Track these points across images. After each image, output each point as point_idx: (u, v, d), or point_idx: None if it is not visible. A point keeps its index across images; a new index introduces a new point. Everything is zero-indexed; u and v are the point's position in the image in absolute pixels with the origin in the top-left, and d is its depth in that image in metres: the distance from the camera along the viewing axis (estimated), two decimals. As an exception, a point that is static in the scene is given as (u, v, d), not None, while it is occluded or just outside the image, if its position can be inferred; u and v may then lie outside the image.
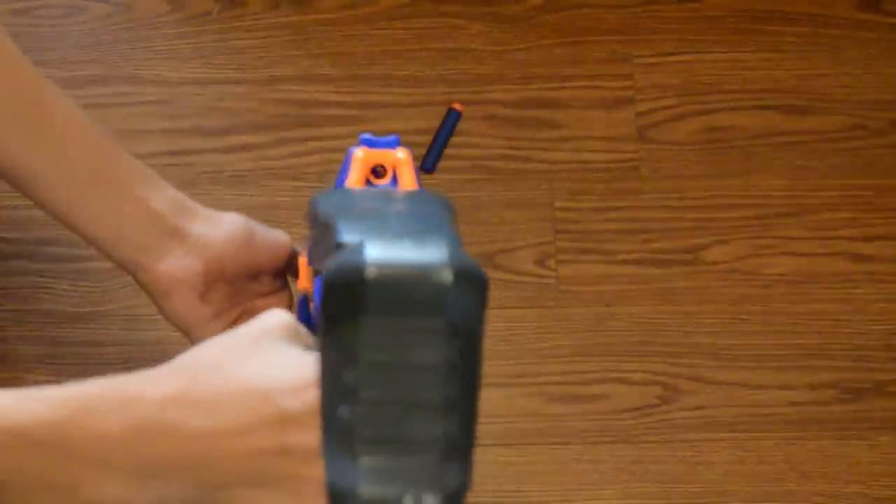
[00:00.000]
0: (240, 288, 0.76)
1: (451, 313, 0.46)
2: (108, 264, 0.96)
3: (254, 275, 0.76)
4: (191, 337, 0.76)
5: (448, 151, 0.99)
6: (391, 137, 0.63)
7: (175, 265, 0.72)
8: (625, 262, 0.97)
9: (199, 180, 0.98)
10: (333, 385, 0.47)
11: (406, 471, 0.46)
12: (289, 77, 1.00)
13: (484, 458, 0.93)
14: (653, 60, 1.01)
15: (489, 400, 0.94)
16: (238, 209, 0.97)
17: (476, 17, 1.02)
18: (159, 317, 0.95)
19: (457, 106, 0.99)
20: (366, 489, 0.46)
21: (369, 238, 0.48)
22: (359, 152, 0.61)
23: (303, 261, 0.73)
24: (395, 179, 0.63)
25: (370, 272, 0.46)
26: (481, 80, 1.00)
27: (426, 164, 0.98)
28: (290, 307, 0.79)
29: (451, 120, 0.99)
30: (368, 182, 0.62)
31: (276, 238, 0.76)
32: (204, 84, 1.00)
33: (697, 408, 0.94)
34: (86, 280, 0.96)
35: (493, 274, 0.96)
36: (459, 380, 0.47)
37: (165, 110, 0.99)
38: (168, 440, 0.48)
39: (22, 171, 0.70)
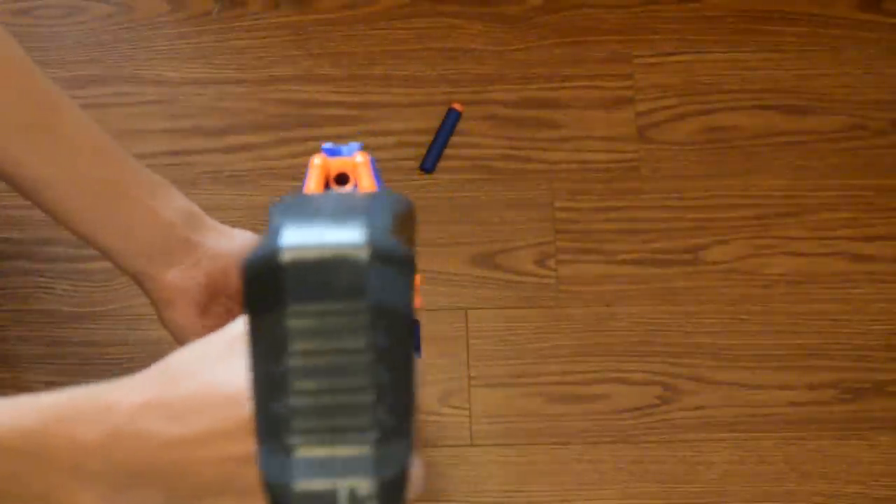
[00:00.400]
0: (241, 303, 0.75)
1: (373, 294, 0.45)
2: (109, 264, 0.96)
3: None
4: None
5: (448, 151, 0.99)
6: (353, 144, 0.62)
7: (181, 275, 0.72)
8: (625, 262, 0.97)
9: (199, 180, 0.98)
10: (262, 379, 0.46)
11: (341, 461, 0.45)
12: (289, 77, 1.00)
13: (484, 458, 0.93)
14: (653, 60, 1.01)
15: (489, 400, 0.94)
16: (238, 209, 0.97)
17: (476, 17, 1.02)
18: (159, 317, 0.95)
19: (457, 106, 0.99)
20: (301, 483, 0.45)
21: (288, 224, 0.47)
22: (316, 159, 0.59)
23: None
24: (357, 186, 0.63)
25: (285, 257, 0.44)
26: (481, 80, 1.00)
27: (426, 164, 0.98)
28: None
29: (451, 120, 0.99)
30: (329, 189, 0.61)
31: None
32: (204, 84, 1.00)
33: (697, 408, 0.94)
34: (86, 280, 0.96)
35: (492, 274, 0.97)
36: (389, 363, 0.45)
37: (166, 110, 0.99)
38: (141, 448, 0.48)
39: (32, 180, 0.70)
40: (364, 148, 0.63)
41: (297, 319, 0.45)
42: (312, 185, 0.58)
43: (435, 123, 0.99)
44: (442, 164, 0.99)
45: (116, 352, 0.94)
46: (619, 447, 0.93)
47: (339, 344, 0.45)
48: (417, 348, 0.70)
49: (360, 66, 1.01)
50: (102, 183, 0.71)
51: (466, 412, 0.94)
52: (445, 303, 0.96)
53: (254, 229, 0.97)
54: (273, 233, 0.46)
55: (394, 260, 0.45)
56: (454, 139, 0.99)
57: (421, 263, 0.97)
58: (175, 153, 0.98)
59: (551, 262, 0.97)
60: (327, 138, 0.98)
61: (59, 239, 0.97)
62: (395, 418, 0.46)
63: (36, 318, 0.95)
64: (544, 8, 1.02)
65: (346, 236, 0.45)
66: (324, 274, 0.45)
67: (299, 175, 0.98)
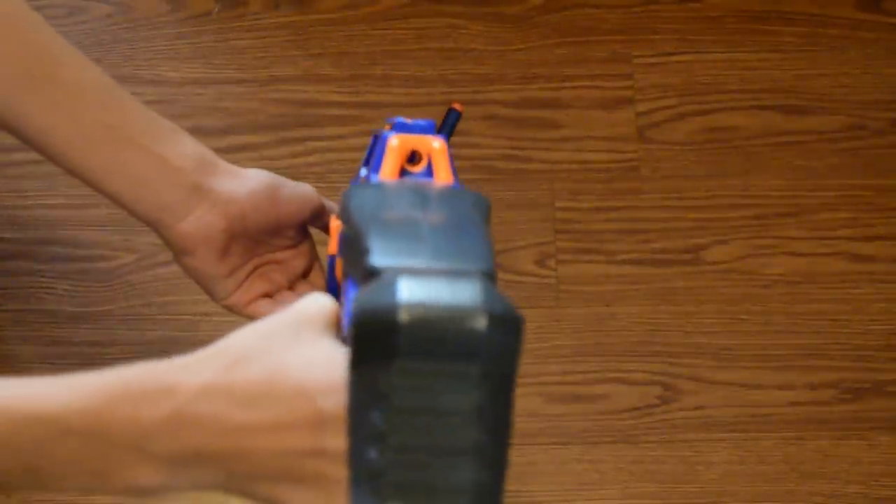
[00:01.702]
0: (261, 241, 0.74)
1: (485, 358, 0.45)
2: (109, 264, 0.96)
3: (277, 229, 0.74)
4: (208, 290, 0.74)
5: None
6: (426, 122, 0.61)
7: (197, 223, 0.71)
8: (625, 262, 0.97)
9: (199, 180, 0.98)
10: (362, 425, 0.46)
11: None
12: (289, 77, 1.00)
13: (484, 458, 0.93)
14: (653, 60, 1.01)
15: (489, 400, 0.94)
16: (238, 209, 0.97)
17: (476, 17, 1.02)
18: (160, 316, 0.95)
19: (457, 106, 0.99)
20: None
21: (402, 268, 0.46)
22: (394, 140, 0.58)
23: (334, 224, 0.70)
24: (430, 167, 0.61)
25: (403, 316, 0.44)
26: (481, 80, 1.00)
27: (426, 164, 0.98)
28: (311, 259, 0.77)
29: (451, 120, 0.99)
30: (403, 171, 0.60)
31: (302, 193, 0.73)
32: (204, 84, 1.00)
33: (697, 408, 0.94)
34: (86, 280, 0.96)
35: (493, 274, 0.97)
36: (490, 425, 0.45)
37: (166, 110, 0.99)
38: (202, 432, 0.48)
39: (36, 129, 0.69)
40: (436, 125, 0.63)
41: (405, 376, 0.45)
42: (388, 170, 0.57)
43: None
44: (442, 164, 0.99)
45: (116, 352, 0.94)
46: (619, 447, 0.94)
47: (443, 403, 0.45)
48: None
49: (360, 66, 1.01)
50: (107, 129, 0.69)
51: (466, 412, 0.94)
52: (445, 303, 0.96)
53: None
54: (385, 281, 0.45)
55: (506, 324, 0.45)
56: (454, 139, 0.99)
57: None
58: (175, 153, 0.98)
59: (551, 262, 0.97)
60: (327, 138, 0.98)
61: (59, 239, 0.97)
62: (490, 480, 0.45)
63: (36, 318, 0.95)
64: (545, 8, 1.02)
65: (464, 297, 0.45)
66: (438, 333, 0.44)
67: (299, 175, 0.98)
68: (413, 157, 0.61)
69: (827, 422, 0.94)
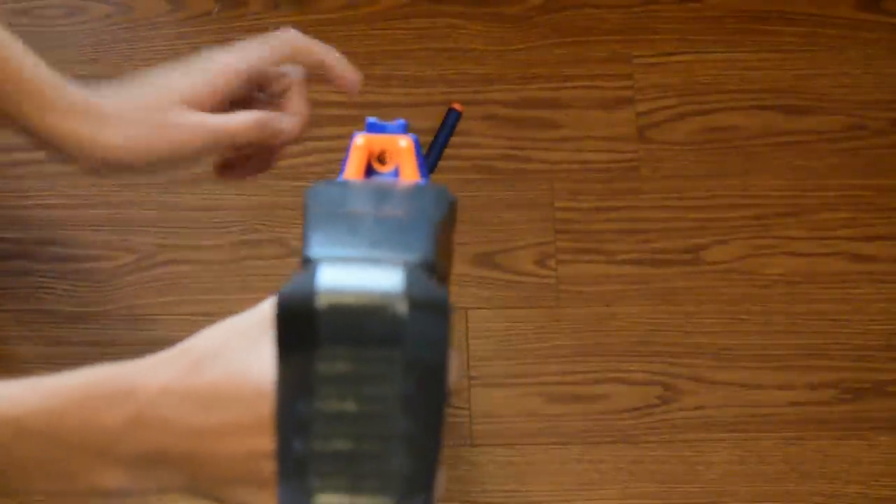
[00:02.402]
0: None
1: (408, 345, 0.44)
2: (109, 264, 0.96)
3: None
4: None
5: (448, 151, 0.99)
6: (398, 123, 0.59)
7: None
8: (624, 262, 0.97)
9: (199, 180, 0.98)
10: (288, 416, 0.45)
11: None
12: (289, 77, 1.00)
13: (484, 458, 0.93)
14: (653, 60, 1.01)
15: (489, 400, 0.94)
16: (238, 209, 0.97)
17: (476, 17, 1.02)
18: (160, 316, 0.95)
19: (457, 106, 0.99)
20: None
21: (334, 258, 0.45)
22: (359, 139, 0.58)
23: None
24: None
25: (321, 301, 0.43)
26: (481, 80, 1.00)
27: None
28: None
29: (451, 120, 0.99)
30: (371, 170, 0.59)
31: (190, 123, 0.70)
32: (204, 84, 1.00)
33: (697, 408, 0.94)
34: (86, 280, 0.96)
35: (492, 274, 0.97)
36: (419, 414, 0.44)
37: (165, 110, 0.99)
38: (162, 433, 0.48)
39: None
40: (408, 127, 0.62)
41: (328, 363, 0.44)
42: (352, 169, 0.57)
43: (435, 123, 0.99)
44: (442, 164, 0.99)
45: (116, 352, 0.94)
46: (619, 447, 0.93)
47: (368, 391, 0.44)
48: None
49: (360, 66, 1.00)
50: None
51: (466, 412, 0.94)
52: (445, 303, 0.96)
53: (254, 230, 0.97)
54: (309, 268, 0.44)
55: (431, 308, 0.44)
56: (454, 139, 0.99)
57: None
58: (175, 153, 0.98)
59: (551, 262, 0.97)
60: (327, 138, 0.98)
61: (59, 239, 0.97)
62: (419, 472, 0.44)
63: (36, 318, 0.95)
64: (544, 8, 1.02)
65: (385, 282, 0.44)
66: (359, 320, 0.44)
67: (299, 175, 0.98)
68: (382, 159, 0.60)
69: (827, 422, 0.94)
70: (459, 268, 0.97)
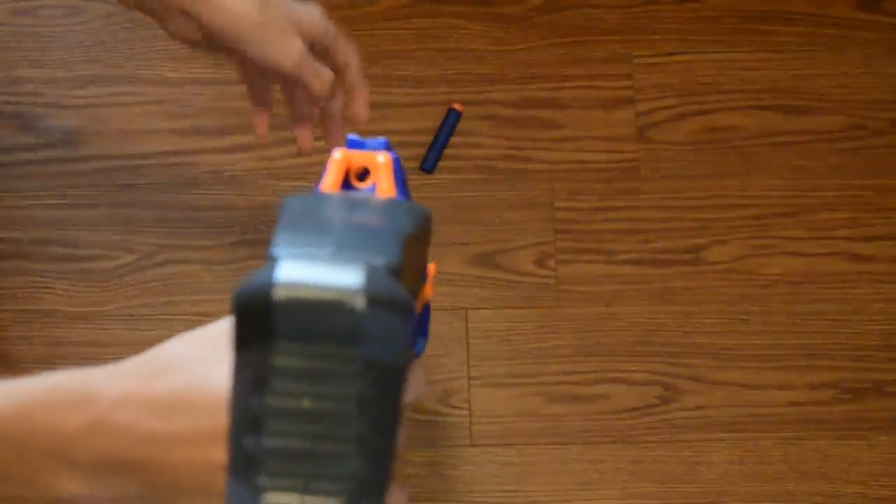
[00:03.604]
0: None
1: (365, 344, 0.43)
2: (108, 264, 0.96)
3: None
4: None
5: (448, 151, 0.99)
6: (379, 140, 0.59)
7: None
8: (624, 262, 0.97)
9: (199, 180, 0.98)
10: (241, 412, 0.44)
11: None
12: (289, 77, 1.00)
13: (484, 458, 0.93)
14: (653, 60, 1.01)
15: (489, 400, 0.94)
16: (238, 209, 0.97)
17: (476, 17, 1.02)
18: (159, 317, 0.95)
19: (457, 106, 0.99)
20: None
21: (292, 253, 0.44)
22: (336, 153, 0.56)
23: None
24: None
25: (279, 294, 0.42)
26: (481, 80, 1.00)
27: (426, 165, 0.98)
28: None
29: (451, 120, 0.99)
30: (349, 185, 0.58)
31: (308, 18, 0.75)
32: (204, 84, 1.00)
33: (697, 408, 0.94)
34: (86, 280, 0.96)
35: (492, 274, 0.97)
36: (375, 417, 0.43)
37: (166, 110, 0.99)
38: (120, 440, 0.47)
39: None
40: (389, 144, 0.61)
41: (284, 357, 0.43)
42: (329, 181, 0.56)
43: (435, 123, 0.99)
44: (442, 164, 0.99)
45: (116, 352, 0.94)
46: (619, 447, 0.94)
47: (323, 389, 0.43)
48: (424, 334, 0.68)
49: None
50: None
51: (466, 412, 0.94)
52: (445, 303, 0.96)
53: (254, 230, 0.97)
54: (270, 264, 0.44)
55: (390, 306, 0.43)
56: (454, 139, 0.99)
57: (421, 263, 0.97)
58: (175, 153, 0.98)
59: (551, 262, 0.97)
60: (327, 138, 0.98)
61: (59, 239, 0.97)
62: (371, 473, 0.43)
63: (36, 318, 0.95)
64: (544, 8, 1.02)
65: (344, 279, 0.43)
66: (317, 316, 0.43)
67: (299, 175, 0.98)
68: (362, 176, 0.60)
69: (827, 422, 0.94)
70: (459, 268, 0.97)
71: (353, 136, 0.59)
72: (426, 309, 0.68)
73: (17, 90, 0.99)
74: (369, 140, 0.59)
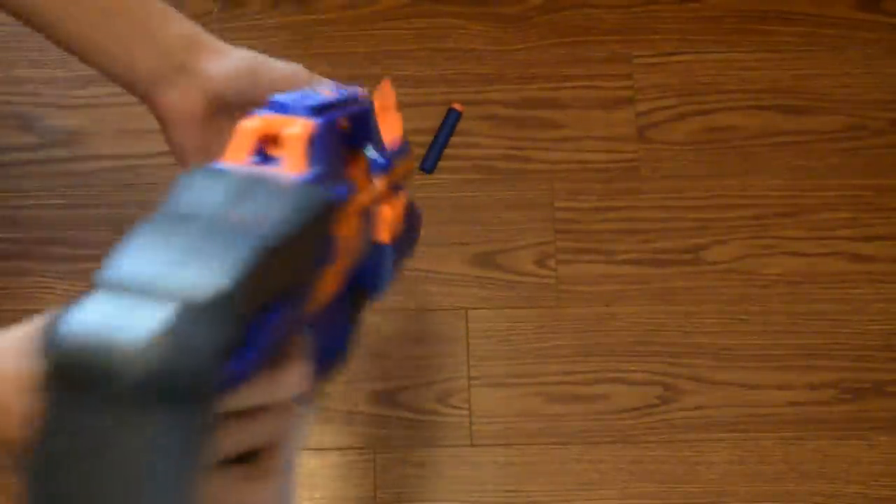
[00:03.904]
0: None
1: (145, 404, 0.39)
2: (108, 264, 0.96)
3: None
4: (186, 165, 0.77)
5: (448, 151, 0.99)
6: (303, 104, 0.50)
7: (177, 97, 0.74)
8: (624, 262, 0.97)
9: (199, 180, 0.98)
10: (25, 465, 0.41)
11: None
12: (289, 77, 1.00)
13: (484, 458, 0.93)
14: (653, 60, 1.01)
15: (489, 400, 0.94)
16: (238, 209, 0.97)
17: (476, 17, 1.02)
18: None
19: (457, 106, 0.99)
20: None
21: (111, 280, 0.41)
22: (247, 122, 0.49)
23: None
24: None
25: (63, 343, 0.39)
26: (481, 80, 1.00)
27: (426, 164, 0.98)
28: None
29: (451, 120, 0.99)
30: (263, 156, 0.50)
31: (286, 72, 0.74)
32: (204, 84, 1.00)
33: (697, 408, 0.94)
34: (86, 280, 0.96)
35: (492, 274, 0.97)
36: (153, 487, 0.39)
37: (165, 110, 0.99)
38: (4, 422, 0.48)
39: (33, 7, 0.72)
40: (347, 100, 0.53)
41: (60, 412, 0.40)
42: (232, 153, 0.49)
43: (435, 123, 0.99)
44: (442, 164, 0.99)
45: (116, 352, 0.94)
46: (619, 447, 0.94)
47: (100, 454, 0.40)
48: (383, 277, 0.61)
49: (361, 66, 1.00)
50: (101, 10, 0.72)
51: (466, 412, 0.94)
52: (445, 303, 0.96)
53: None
54: (82, 300, 0.41)
55: (175, 371, 0.39)
56: (454, 139, 0.99)
57: (422, 263, 0.97)
58: (175, 153, 0.98)
59: (551, 262, 0.97)
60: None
61: (59, 239, 0.97)
62: None
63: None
64: (544, 8, 1.02)
65: (133, 332, 0.39)
66: (91, 369, 0.40)
67: (299, 175, 0.98)
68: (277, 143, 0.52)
69: (827, 422, 0.94)
70: (459, 268, 0.97)
71: (276, 97, 0.51)
72: (383, 251, 0.60)
73: (17, 90, 0.99)
74: (294, 102, 0.51)
